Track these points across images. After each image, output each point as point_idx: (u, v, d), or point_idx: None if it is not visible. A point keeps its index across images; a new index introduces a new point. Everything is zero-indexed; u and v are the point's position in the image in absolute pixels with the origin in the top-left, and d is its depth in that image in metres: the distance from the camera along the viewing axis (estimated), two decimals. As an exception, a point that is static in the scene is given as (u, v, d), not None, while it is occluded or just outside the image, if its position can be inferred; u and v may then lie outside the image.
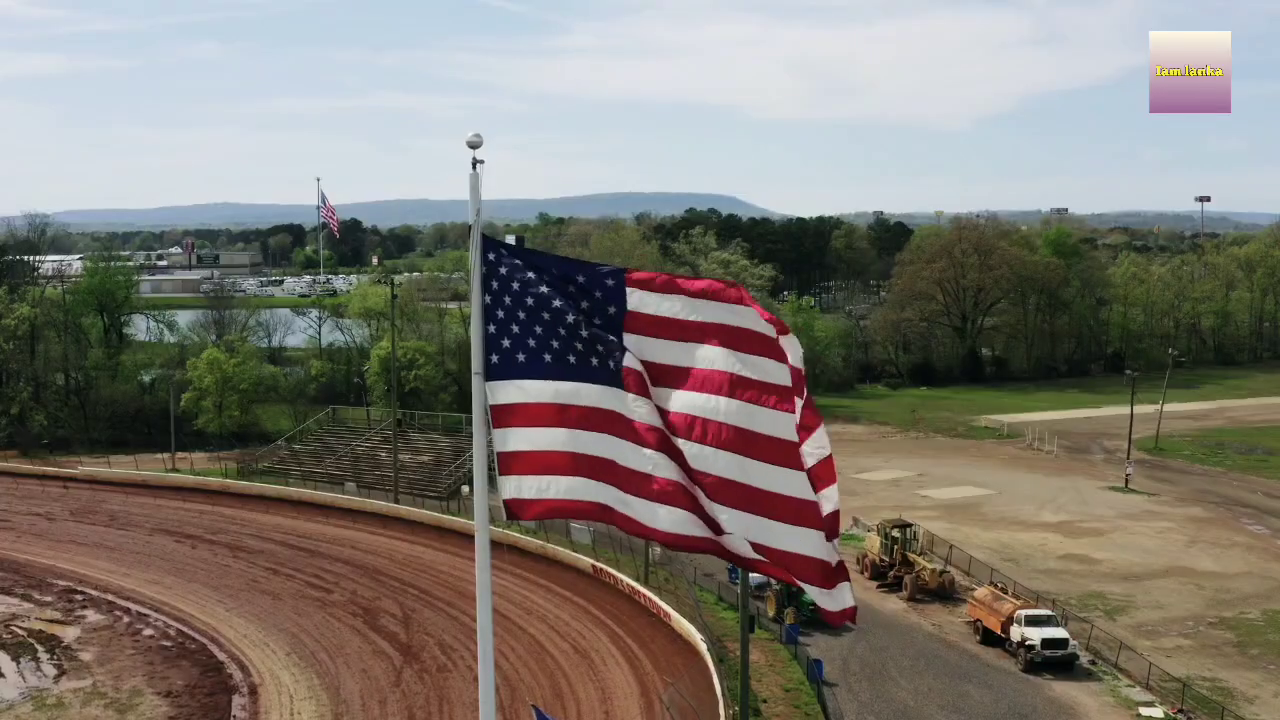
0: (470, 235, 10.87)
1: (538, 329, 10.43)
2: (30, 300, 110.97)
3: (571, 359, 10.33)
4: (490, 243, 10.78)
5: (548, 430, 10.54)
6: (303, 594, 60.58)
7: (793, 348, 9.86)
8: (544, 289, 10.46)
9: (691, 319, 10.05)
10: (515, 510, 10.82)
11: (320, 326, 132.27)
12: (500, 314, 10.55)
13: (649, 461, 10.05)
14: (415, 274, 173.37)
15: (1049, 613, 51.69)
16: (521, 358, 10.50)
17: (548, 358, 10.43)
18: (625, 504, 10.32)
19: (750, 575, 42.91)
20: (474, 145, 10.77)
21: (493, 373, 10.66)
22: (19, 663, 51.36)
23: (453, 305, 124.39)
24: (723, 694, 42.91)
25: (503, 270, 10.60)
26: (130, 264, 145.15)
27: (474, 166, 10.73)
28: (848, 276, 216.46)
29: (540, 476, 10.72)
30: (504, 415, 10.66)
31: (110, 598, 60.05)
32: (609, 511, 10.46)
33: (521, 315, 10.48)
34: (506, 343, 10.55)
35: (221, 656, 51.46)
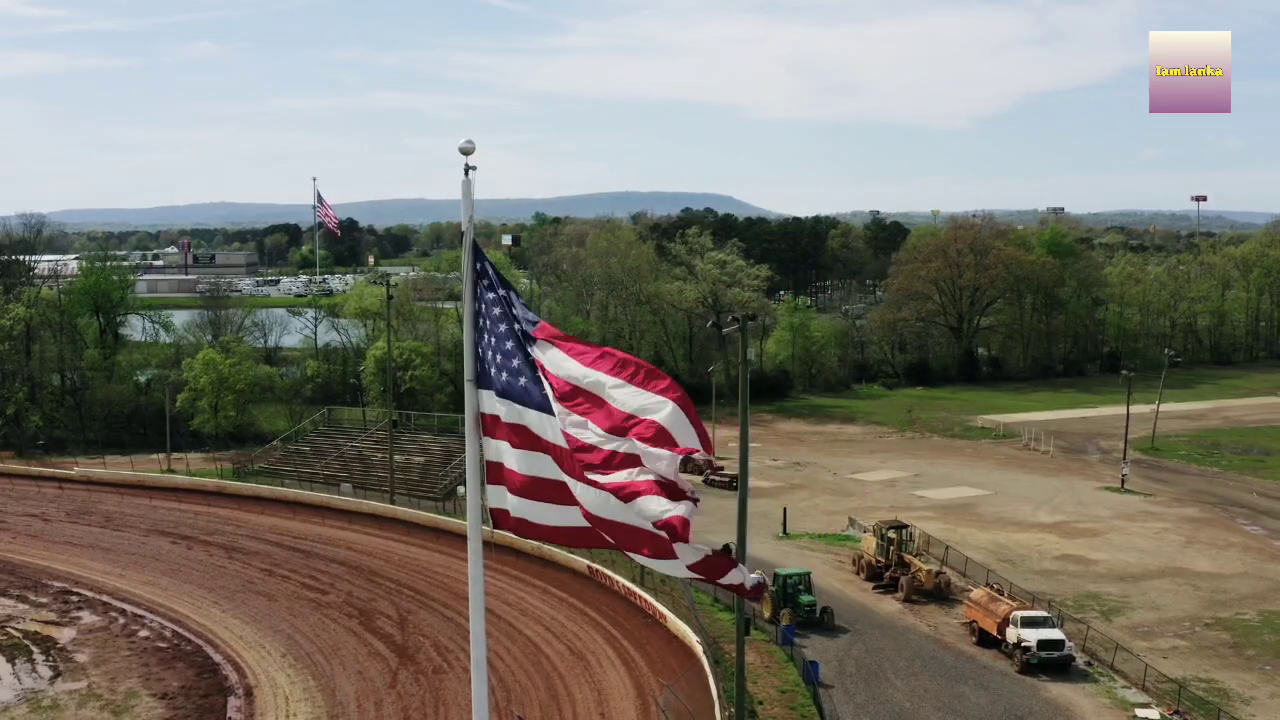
0: (463, 241, 10.88)
1: (495, 343, 10.51)
2: (26, 300, 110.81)
3: (513, 379, 10.40)
4: (479, 252, 10.81)
5: (511, 447, 10.63)
6: (298, 595, 60.49)
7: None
8: (501, 306, 10.54)
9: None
10: (497, 519, 10.94)
11: (316, 327, 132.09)
12: (483, 323, 10.62)
13: (556, 472, 10.23)
14: (411, 273, 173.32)
15: (1045, 614, 51.62)
16: (493, 371, 10.57)
17: (504, 375, 10.50)
18: (544, 514, 10.47)
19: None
20: (466, 152, 10.76)
21: (481, 380, 10.71)
22: (14, 664, 51.24)
23: (449, 305, 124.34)
24: (718, 695, 42.87)
25: (484, 282, 10.67)
26: (126, 264, 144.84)
27: (466, 173, 10.73)
28: (844, 276, 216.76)
29: (509, 493, 10.82)
30: (489, 425, 10.74)
31: (106, 599, 59.95)
32: (560, 531, 10.58)
33: (489, 326, 10.57)
34: (486, 353, 10.63)
35: (217, 658, 51.37)
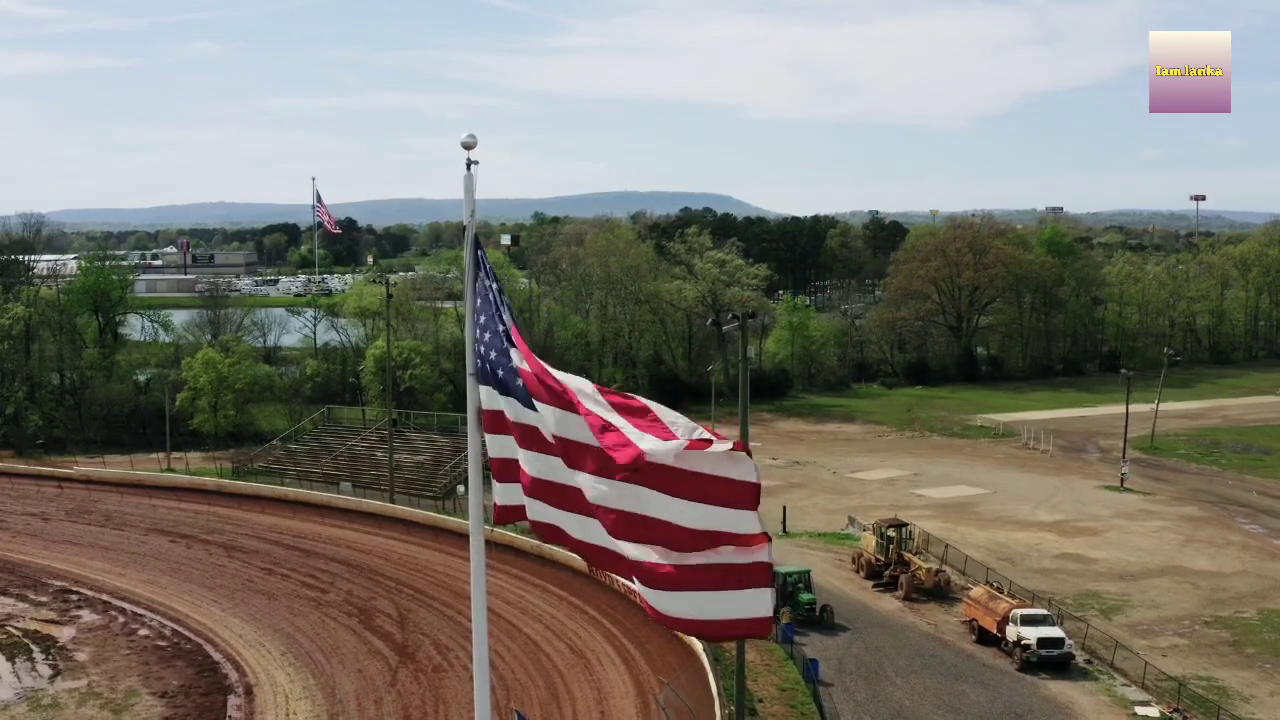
0: (465, 236, 10.92)
1: (489, 337, 10.51)
2: (25, 300, 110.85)
3: (502, 373, 10.40)
4: (479, 247, 10.86)
5: (508, 440, 10.62)
6: (298, 594, 60.49)
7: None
8: (495, 302, 10.55)
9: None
10: (497, 514, 10.94)
11: (315, 326, 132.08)
12: (484, 319, 10.64)
13: (569, 477, 10.10)
14: (410, 273, 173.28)
15: (1045, 612, 51.66)
16: (488, 366, 10.58)
17: (494, 368, 10.50)
18: (562, 520, 10.36)
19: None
20: (468, 146, 10.80)
21: (482, 376, 10.72)
22: (14, 663, 51.24)
23: (448, 304, 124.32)
24: (718, 693, 42.89)
25: (480, 276, 10.71)
26: (125, 264, 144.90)
27: (468, 167, 10.76)
28: (843, 276, 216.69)
29: (509, 484, 10.80)
30: (489, 420, 10.74)
31: (105, 598, 59.94)
32: (555, 531, 10.53)
33: (484, 320, 10.58)
34: (482, 348, 10.63)
35: (217, 656, 51.38)
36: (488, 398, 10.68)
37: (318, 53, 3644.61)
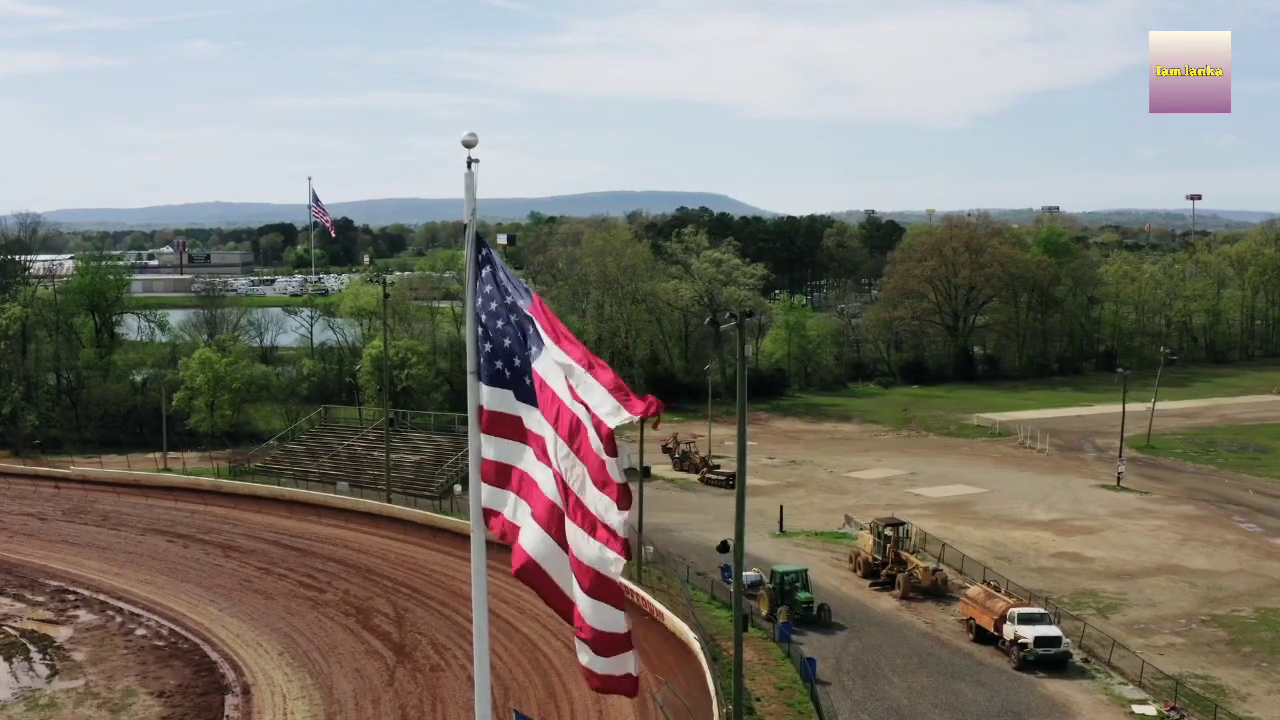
0: (465, 234, 10.92)
1: (495, 335, 10.47)
2: (22, 300, 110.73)
3: (509, 372, 10.36)
4: (481, 243, 10.84)
5: (501, 441, 10.60)
6: (295, 594, 60.47)
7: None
8: (507, 298, 10.49)
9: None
10: (486, 520, 10.90)
11: (312, 326, 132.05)
12: (484, 317, 10.59)
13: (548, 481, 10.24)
14: (407, 273, 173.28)
15: (1042, 611, 51.69)
16: (494, 363, 10.54)
17: (500, 365, 10.45)
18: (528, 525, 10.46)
19: (744, 574, 42.97)
20: (469, 145, 10.81)
21: (481, 374, 10.71)
22: (11, 663, 51.19)
23: (444, 304, 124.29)
24: (716, 692, 42.88)
25: (484, 273, 10.67)
26: (121, 263, 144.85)
27: (469, 166, 10.76)
28: (839, 275, 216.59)
29: (496, 489, 10.76)
30: (482, 420, 10.71)
31: (102, 598, 59.89)
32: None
33: (484, 319, 10.54)
34: (487, 346, 10.60)
35: (214, 656, 51.35)
36: (488, 396, 10.66)
37: (315, 52, 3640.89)
